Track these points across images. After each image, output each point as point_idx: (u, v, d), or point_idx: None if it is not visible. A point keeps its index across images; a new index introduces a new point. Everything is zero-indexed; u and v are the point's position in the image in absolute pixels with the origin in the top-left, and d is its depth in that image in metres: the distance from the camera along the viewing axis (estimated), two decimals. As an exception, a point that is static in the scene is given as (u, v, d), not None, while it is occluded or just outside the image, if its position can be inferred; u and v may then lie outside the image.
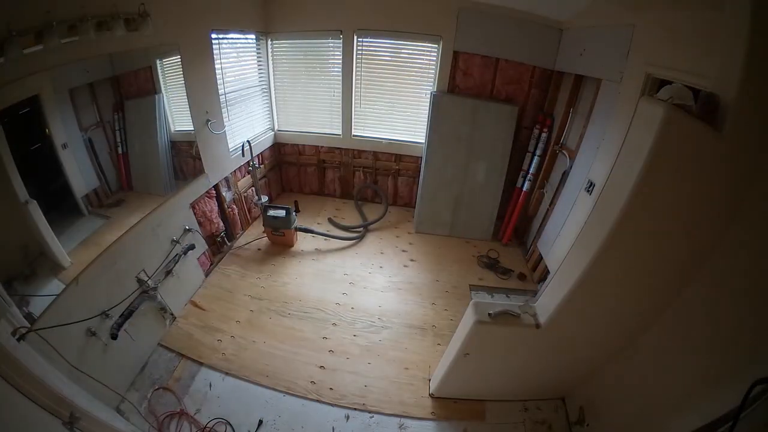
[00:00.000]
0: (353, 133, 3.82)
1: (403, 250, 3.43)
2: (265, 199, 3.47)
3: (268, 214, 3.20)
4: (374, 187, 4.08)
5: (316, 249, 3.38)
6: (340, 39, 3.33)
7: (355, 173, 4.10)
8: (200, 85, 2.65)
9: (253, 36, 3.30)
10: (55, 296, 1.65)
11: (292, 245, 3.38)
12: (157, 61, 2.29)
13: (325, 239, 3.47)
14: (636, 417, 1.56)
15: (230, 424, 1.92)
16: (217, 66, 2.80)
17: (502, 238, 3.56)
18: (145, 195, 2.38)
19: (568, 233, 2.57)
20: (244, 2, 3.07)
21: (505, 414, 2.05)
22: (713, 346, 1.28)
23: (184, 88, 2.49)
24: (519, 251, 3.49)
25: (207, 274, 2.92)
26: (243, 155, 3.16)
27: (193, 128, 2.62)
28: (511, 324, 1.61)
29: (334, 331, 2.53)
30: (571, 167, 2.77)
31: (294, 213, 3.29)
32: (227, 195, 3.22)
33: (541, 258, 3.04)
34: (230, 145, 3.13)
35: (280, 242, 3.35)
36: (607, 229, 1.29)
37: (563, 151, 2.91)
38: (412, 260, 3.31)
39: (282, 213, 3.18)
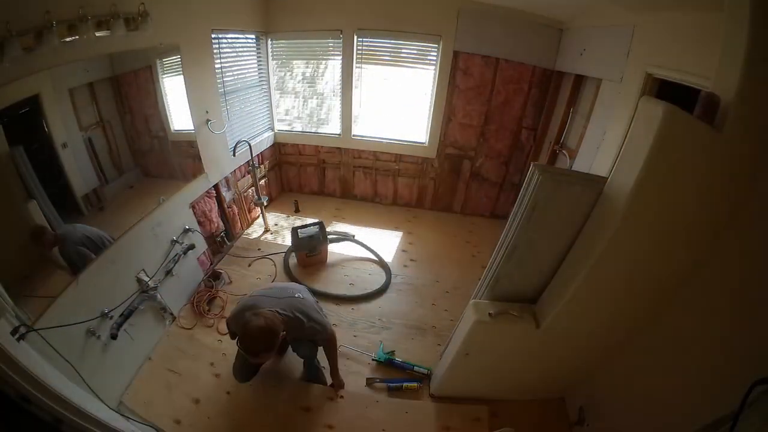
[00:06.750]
0: (353, 133, 3.82)
1: (403, 250, 3.43)
2: (265, 199, 3.46)
3: (300, 237, 2.79)
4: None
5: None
6: (340, 39, 3.33)
7: (355, 173, 4.10)
8: (200, 84, 2.65)
9: (253, 36, 3.30)
10: (53, 297, 1.65)
11: (325, 261, 3.11)
12: (157, 61, 2.29)
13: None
14: (636, 417, 1.56)
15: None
16: (216, 66, 2.80)
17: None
18: (144, 194, 2.38)
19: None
20: (244, 2, 3.07)
21: (506, 414, 2.05)
22: (713, 346, 1.28)
23: (184, 88, 2.48)
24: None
25: (206, 274, 2.91)
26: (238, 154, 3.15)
27: (193, 128, 2.62)
28: (511, 324, 1.61)
29: (335, 331, 2.52)
30: (571, 167, 2.77)
31: (322, 223, 3.04)
32: (227, 195, 3.22)
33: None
34: (230, 145, 3.13)
35: (314, 263, 2.99)
36: (608, 228, 1.29)
37: (563, 151, 2.91)
38: (412, 260, 3.31)
39: (315, 230, 2.90)
